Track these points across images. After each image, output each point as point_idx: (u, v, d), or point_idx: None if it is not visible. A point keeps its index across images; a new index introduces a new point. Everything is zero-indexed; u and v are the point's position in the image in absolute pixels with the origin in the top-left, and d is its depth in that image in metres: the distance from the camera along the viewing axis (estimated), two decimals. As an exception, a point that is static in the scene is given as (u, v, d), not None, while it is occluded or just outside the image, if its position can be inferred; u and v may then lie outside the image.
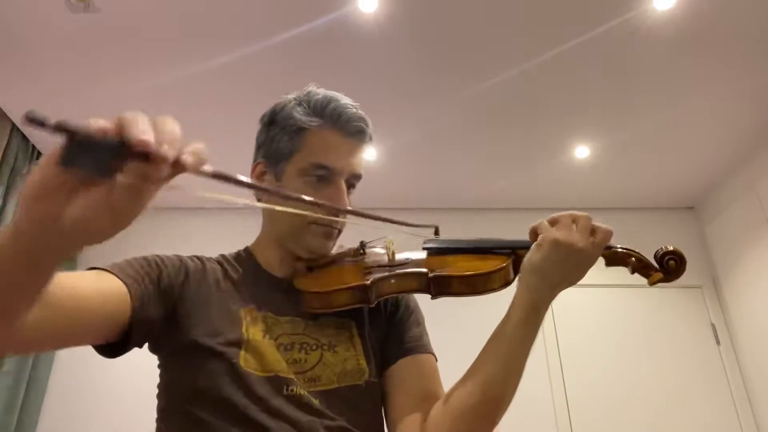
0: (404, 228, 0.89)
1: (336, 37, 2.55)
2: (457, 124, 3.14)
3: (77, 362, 3.32)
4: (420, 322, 1.00)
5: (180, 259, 0.91)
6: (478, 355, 0.84)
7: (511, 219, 3.74)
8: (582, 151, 3.34)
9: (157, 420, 0.85)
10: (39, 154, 3.31)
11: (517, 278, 0.86)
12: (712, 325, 3.50)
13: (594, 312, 3.53)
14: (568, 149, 3.33)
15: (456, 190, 3.70)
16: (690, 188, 3.71)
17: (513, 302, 0.84)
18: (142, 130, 0.43)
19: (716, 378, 3.36)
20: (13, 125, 3.08)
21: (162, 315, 0.82)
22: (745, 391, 3.31)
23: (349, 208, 0.89)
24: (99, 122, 0.43)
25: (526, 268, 0.83)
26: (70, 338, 0.72)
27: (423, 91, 2.89)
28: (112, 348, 0.78)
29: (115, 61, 2.69)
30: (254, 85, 2.81)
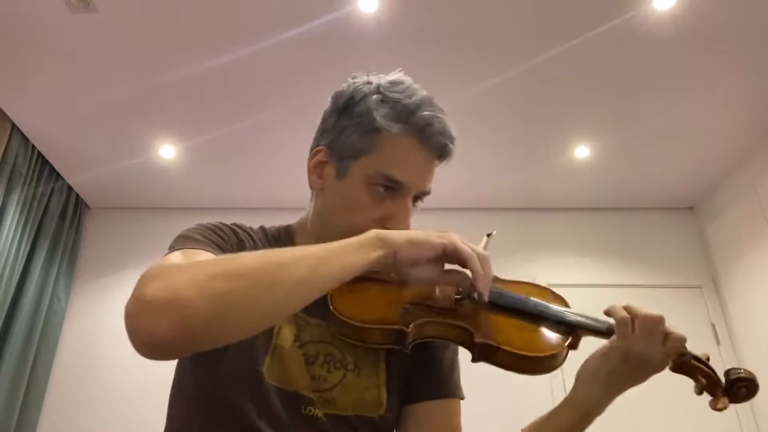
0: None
1: (336, 37, 2.55)
2: (456, 125, 3.12)
3: (77, 362, 3.33)
4: (454, 363, 0.93)
5: (234, 233, 0.86)
6: None
7: (511, 219, 3.76)
8: (582, 151, 3.34)
9: (166, 428, 0.83)
10: (39, 154, 3.31)
11: (575, 377, 0.81)
12: (712, 325, 3.50)
13: (594, 312, 3.53)
14: (568, 149, 3.33)
15: (456, 190, 3.70)
16: (690, 188, 3.71)
17: (568, 400, 0.80)
18: (487, 289, 0.75)
19: (716, 378, 3.36)
20: (13, 125, 3.08)
21: None
22: (745, 391, 3.31)
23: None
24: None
25: (588, 375, 0.79)
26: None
27: (423, 91, 2.89)
28: None
29: (115, 61, 2.69)
30: (255, 85, 2.81)
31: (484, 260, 0.75)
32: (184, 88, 2.84)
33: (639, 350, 0.76)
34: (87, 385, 3.29)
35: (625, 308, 0.78)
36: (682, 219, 3.87)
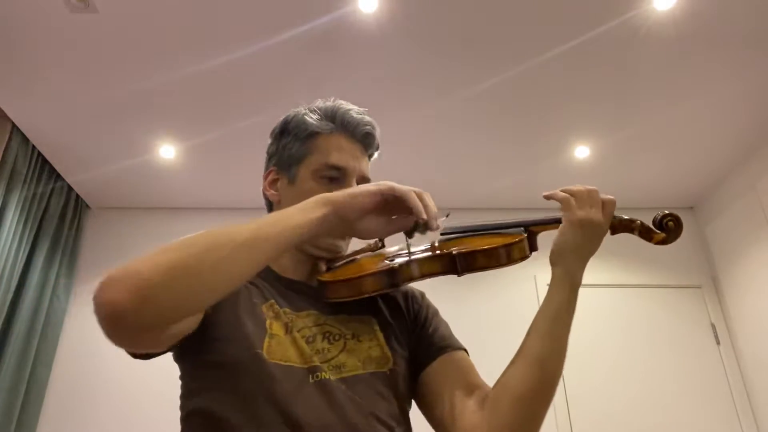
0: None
1: (336, 37, 2.55)
2: (456, 125, 3.14)
3: (77, 362, 3.32)
4: (445, 322, 1.02)
5: None
6: (525, 339, 0.87)
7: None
8: (582, 151, 3.34)
9: (182, 429, 0.84)
10: (39, 154, 3.31)
11: (549, 261, 0.90)
12: (712, 325, 3.50)
13: (594, 312, 3.53)
14: (568, 149, 3.33)
15: (456, 189, 3.70)
16: (690, 188, 3.71)
17: (552, 286, 0.88)
18: (434, 218, 0.83)
19: (716, 378, 3.36)
20: (13, 125, 3.08)
21: (201, 318, 0.82)
22: (745, 391, 3.31)
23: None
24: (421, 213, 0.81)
25: (559, 251, 0.89)
26: (163, 342, 0.76)
27: (423, 92, 2.89)
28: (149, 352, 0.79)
29: (115, 61, 2.69)
30: (254, 85, 2.81)
31: (420, 194, 0.83)
32: (183, 88, 2.84)
33: (587, 217, 0.88)
34: (87, 384, 3.29)
35: (562, 190, 0.91)
36: (683, 219, 3.87)
